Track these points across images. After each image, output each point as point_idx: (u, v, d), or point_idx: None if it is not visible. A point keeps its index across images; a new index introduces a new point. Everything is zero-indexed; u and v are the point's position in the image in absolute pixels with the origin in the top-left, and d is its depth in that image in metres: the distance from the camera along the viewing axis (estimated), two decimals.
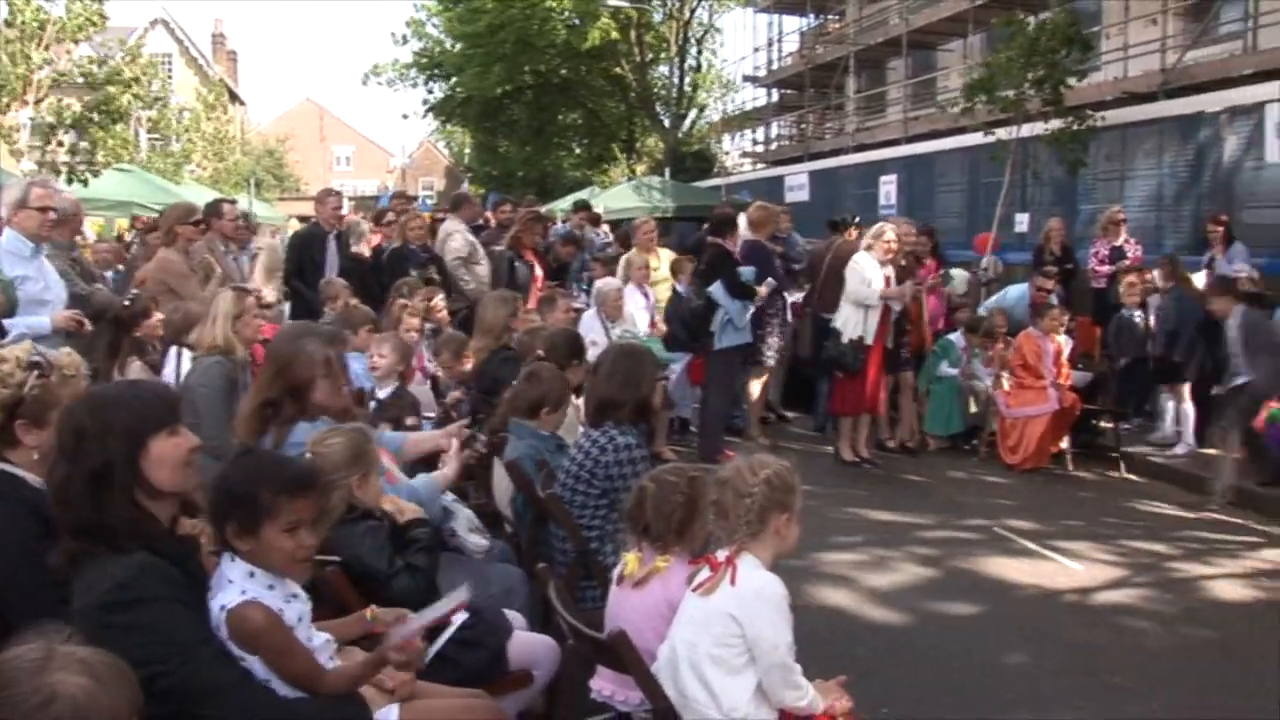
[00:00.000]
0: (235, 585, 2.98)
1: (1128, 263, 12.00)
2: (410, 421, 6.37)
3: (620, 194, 25.45)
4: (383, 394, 6.64)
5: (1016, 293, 12.29)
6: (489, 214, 13.96)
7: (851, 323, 9.95)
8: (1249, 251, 12.11)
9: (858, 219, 12.10)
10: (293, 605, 3.09)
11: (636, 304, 10.87)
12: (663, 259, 11.62)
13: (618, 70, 37.80)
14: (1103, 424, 10.80)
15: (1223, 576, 7.31)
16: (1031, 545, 7.88)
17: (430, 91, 42.16)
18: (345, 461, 3.94)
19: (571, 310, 9.06)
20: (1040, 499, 9.38)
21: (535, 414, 5.51)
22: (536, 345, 6.93)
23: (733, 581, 3.42)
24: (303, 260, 10.59)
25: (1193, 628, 6.44)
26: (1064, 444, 10.37)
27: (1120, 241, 12.42)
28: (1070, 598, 6.87)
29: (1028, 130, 15.52)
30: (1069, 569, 7.38)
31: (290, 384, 4.47)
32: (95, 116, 20.99)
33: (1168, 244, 14.71)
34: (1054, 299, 11.71)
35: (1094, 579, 7.19)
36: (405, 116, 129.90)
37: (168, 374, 6.62)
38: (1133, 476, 10.13)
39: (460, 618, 3.87)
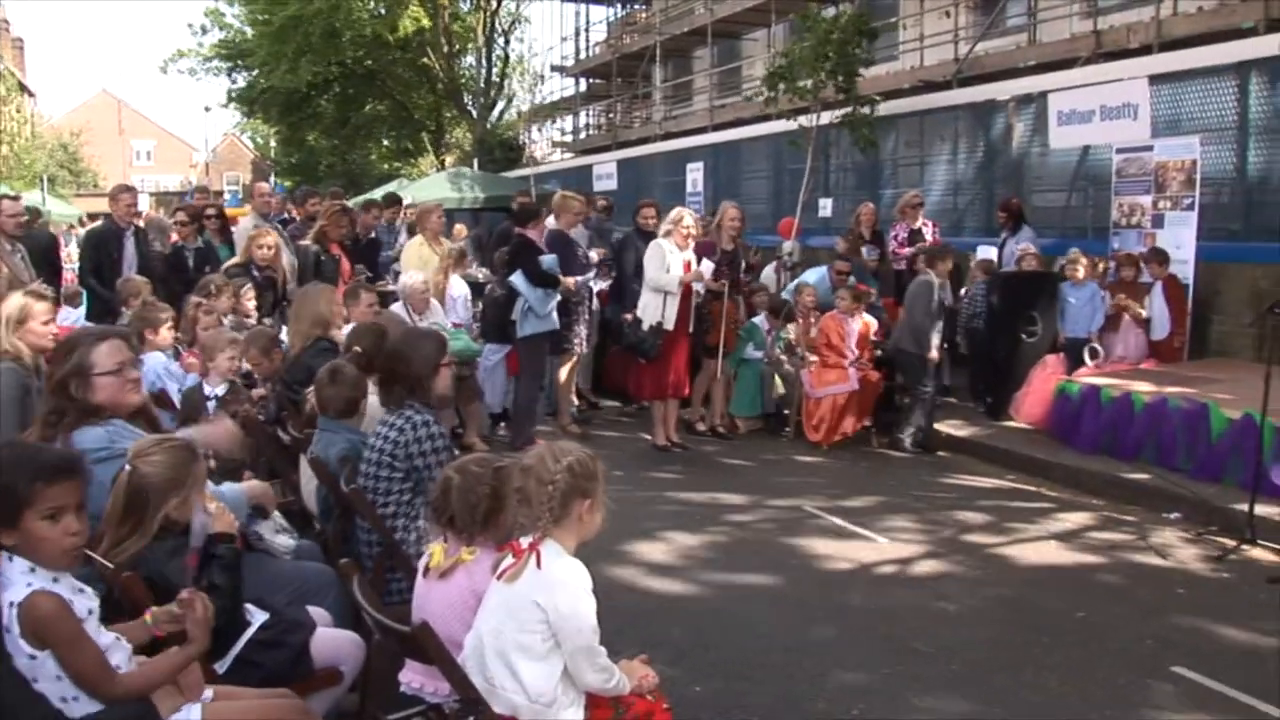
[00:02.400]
0: (19, 581, 2.95)
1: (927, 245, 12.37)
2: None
3: (430, 185, 25.09)
4: (219, 390, 6.50)
5: (816, 275, 12.55)
6: (293, 207, 13.65)
7: (651, 309, 10.02)
8: (1035, 233, 12.69)
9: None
10: (80, 599, 3.07)
11: (455, 295, 10.77)
12: (447, 248, 11.47)
13: (425, 61, 37.40)
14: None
15: (1018, 542, 7.59)
16: (838, 521, 8.04)
17: (233, 81, 41.04)
18: (165, 484, 3.72)
19: (374, 304, 8.87)
20: (846, 476, 9.60)
21: (351, 412, 5.51)
22: (371, 339, 6.73)
23: (538, 566, 3.40)
24: (99, 259, 10.20)
25: (990, 591, 6.65)
26: (868, 421, 10.63)
27: (919, 224, 12.77)
28: (875, 570, 7.03)
29: (826, 118, 15.88)
30: (874, 542, 7.56)
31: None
32: None
33: (966, 226, 15.26)
34: (853, 280, 12.05)
35: (898, 551, 7.37)
36: (208, 109, 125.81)
37: None
38: (942, 453, 10.44)
39: (260, 618, 3.78)
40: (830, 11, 15.73)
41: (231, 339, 6.90)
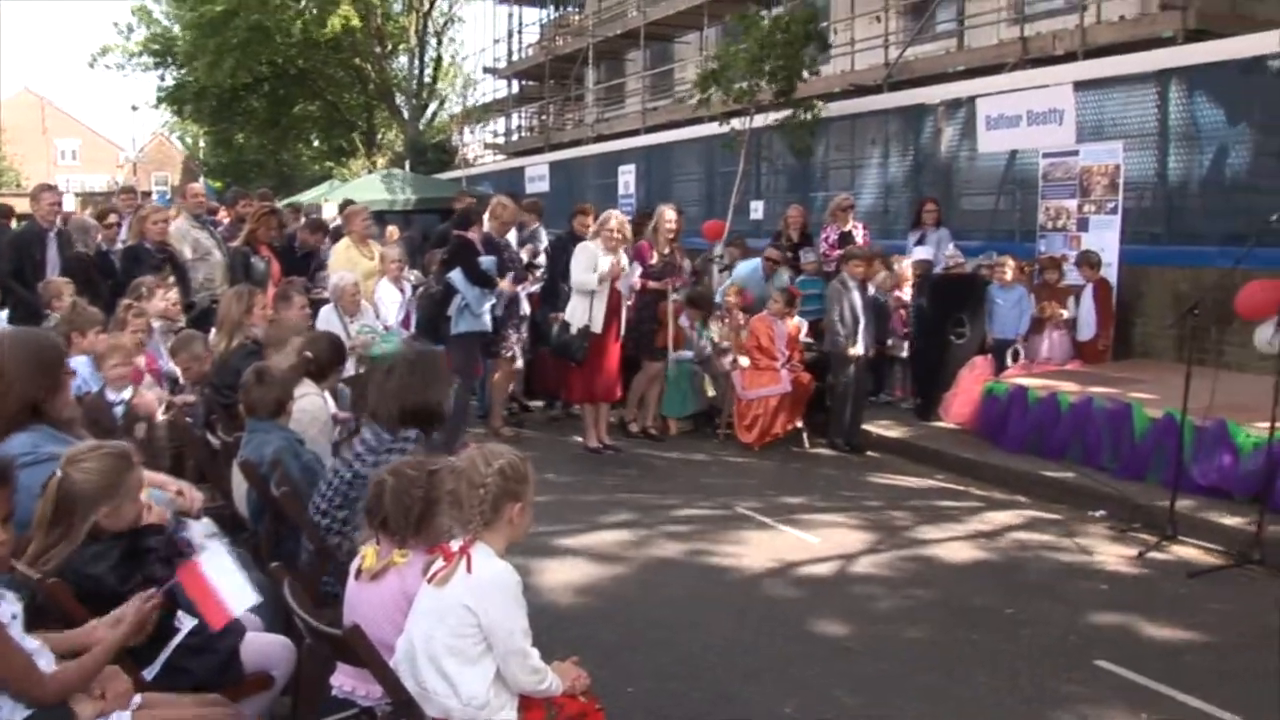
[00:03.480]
0: None
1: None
2: None
3: (362, 186, 24.95)
4: (125, 396, 6.43)
5: (748, 268, 12.63)
6: (223, 209, 13.50)
7: (579, 311, 10.03)
8: (953, 236, 12.91)
9: None
10: (2, 605, 3.03)
11: (391, 298, 10.70)
12: (377, 251, 11.41)
13: (357, 61, 37.14)
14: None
15: (946, 540, 7.69)
16: (770, 521, 8.09)
17: (162, 79, 40.49)
18: (96, 491, 3.66)
19: (307, 306, 8.80)
20: (778, 476, 9.67)
21: (281, 412, 5.46)
22: (285, 340, 6.70)
23: (468, 570, 3.40)
24: (21, 260, 10.03)
25: (920, 589, 6.74)
26: (799, 423, 10.71)
27: (849, 227, 12.85)
28: (806, 569, 7.08)
29: (760, 121, 15.97)
30: (806, 542, 7.61)
31: None
32: None
33: (896, 229, 15.41)
34: (785, 275, 12.16)
35: (828, 550, 7.43)
36: (135, 108, 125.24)
37: None
38: (872, 453, 10.52)
39: (189, 624, 3.74)
40: (772, 13, 15.68)
41: (116, 344, 6.75)
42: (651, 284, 10.65)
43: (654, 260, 10.80)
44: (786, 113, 15.77)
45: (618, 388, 10.57)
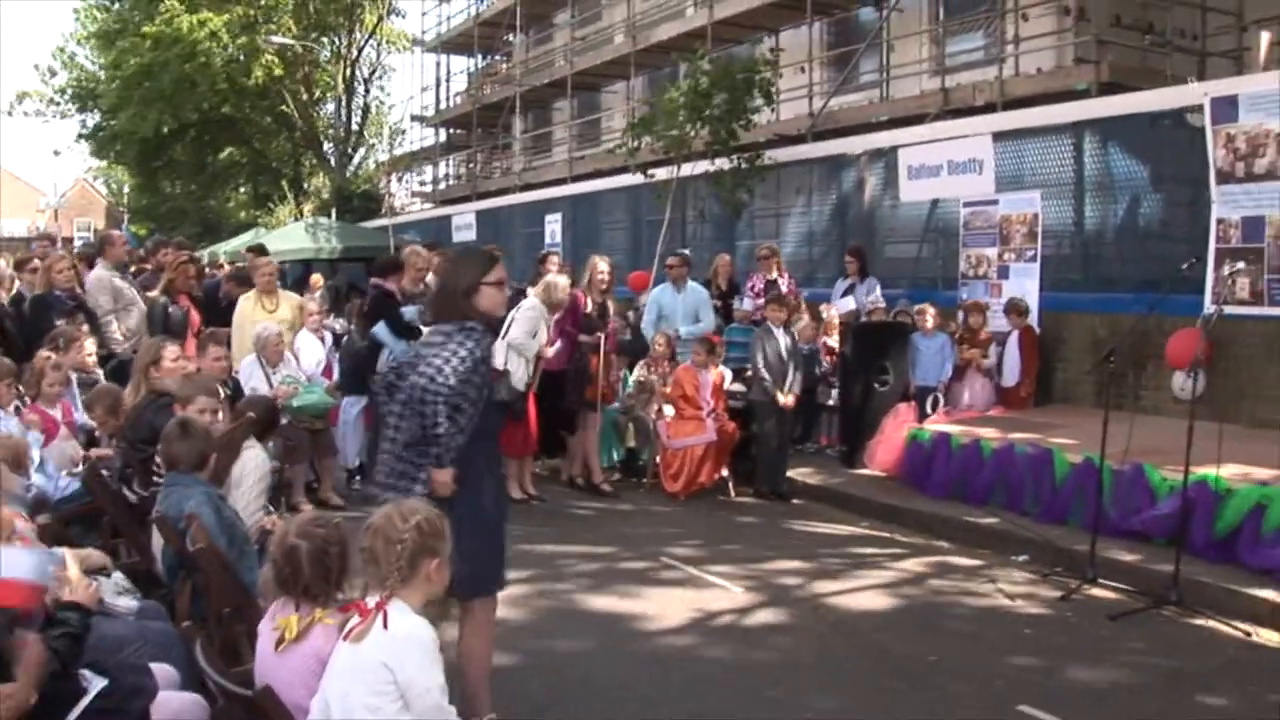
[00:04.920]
0: None
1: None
2: None
3: (288, 234, 24.74)
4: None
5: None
6: (150, 257, 13.28)
7: (519, 371, 10.01)
8: (881, 283, 13.09)
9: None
10: None
11: (311, 348, 10.56)
12: (283, 302, 11.04)
13: (284, 108, 36.95)
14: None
15: (871, 587, 7.69)
16: (694, 571, 8.04)
17: (84, 124, 40.04)
18: None
19: (223, 357, 8.68)
20: (703, 525, 9.63)
21: (204, 466, 5.38)
22: (197, 394, 6.60)
23: (384, 627, 3.35)
24: None
25: (845, 637, 6.73)
26: (724, 472, 10.72)
27: (774, 275, 12.94)
28: (730, 619, 7.04)
29: (689, 169, 16.04)
30: (730, 591, 7.57)
31: None
32: None
33: (820, 277, 15.55)
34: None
35: (753, 599, 7.40)
36: (57, 153, 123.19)
37: None
38: (797, 501, 10.54)
39: (98, 684, 3.64)
40: (704, 64, 15.71)
41: None
42: (583, 338, 10.60)
43: (589, 308, 10.78)
44: (723, 162, 15.83)
45: (534, 441, 10.57)
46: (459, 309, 4.96)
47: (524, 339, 9.74)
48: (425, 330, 5.34)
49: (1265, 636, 6.68)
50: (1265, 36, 11.70)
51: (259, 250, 14.89)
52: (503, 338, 10.03)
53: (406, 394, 4.81)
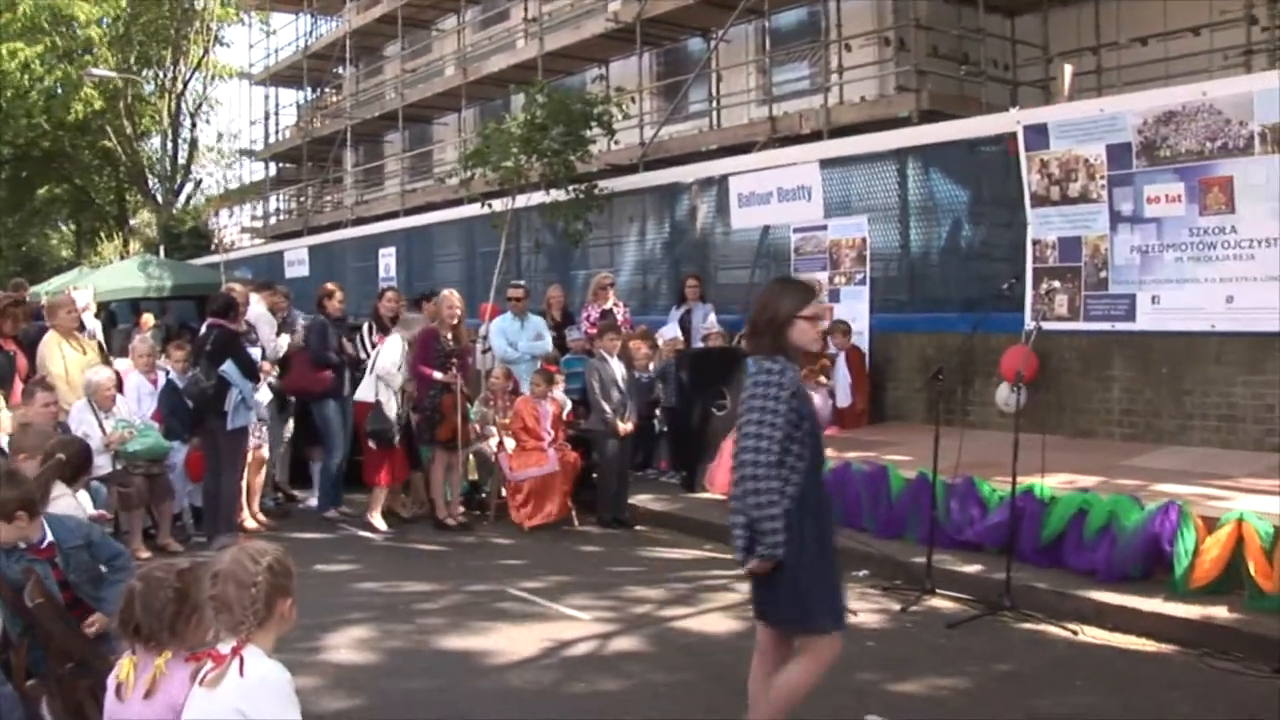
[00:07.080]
0: None
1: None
2: None
3: (117, 273, 23.65)
4: None
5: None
6: None
7: (390, 403, 10.05)
8: (716, 307, 13.28)
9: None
10: None
11: (143, 390, 10.21)
12: (84, 343, 10.67)
13: (106, 143, 35.79)
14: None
15: (717, 610, 7.72)
16: (542, 602, 7.97)
17: None
18: None
19: (51, 404, 8.36)
20: (547, 555, 9.58)
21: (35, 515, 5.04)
22: (39, 445, 6.34)
23: (240, 674, 3.24)
24: None
25: (690, 660, 6.73)
26: (568, 502, 10.71)
27: (609, 305, 13.02)
28: (580, 649, 6.98)
29: (525, 200, 16.02)
30: (580, 621, 7.51)
31: None
32: None
33: (655, 305, 15.69)
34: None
35: (601, 628, 7.36)
36: None
37: None
38: (641, 527, 10.59)
39: None
40: (541, 96, 15.67)
41: None
42: (437, 375, 10.46)
43: (448, 339, 10.68)
44: (558, 193, 15.83)
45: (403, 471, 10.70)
46: (772, 342, 4.81)
47: (393, 370, 9.73)
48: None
49: (1091, 634, 6.99)
50: (1068, 69, 12.29)
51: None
52: (370, 371, 10.06)
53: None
